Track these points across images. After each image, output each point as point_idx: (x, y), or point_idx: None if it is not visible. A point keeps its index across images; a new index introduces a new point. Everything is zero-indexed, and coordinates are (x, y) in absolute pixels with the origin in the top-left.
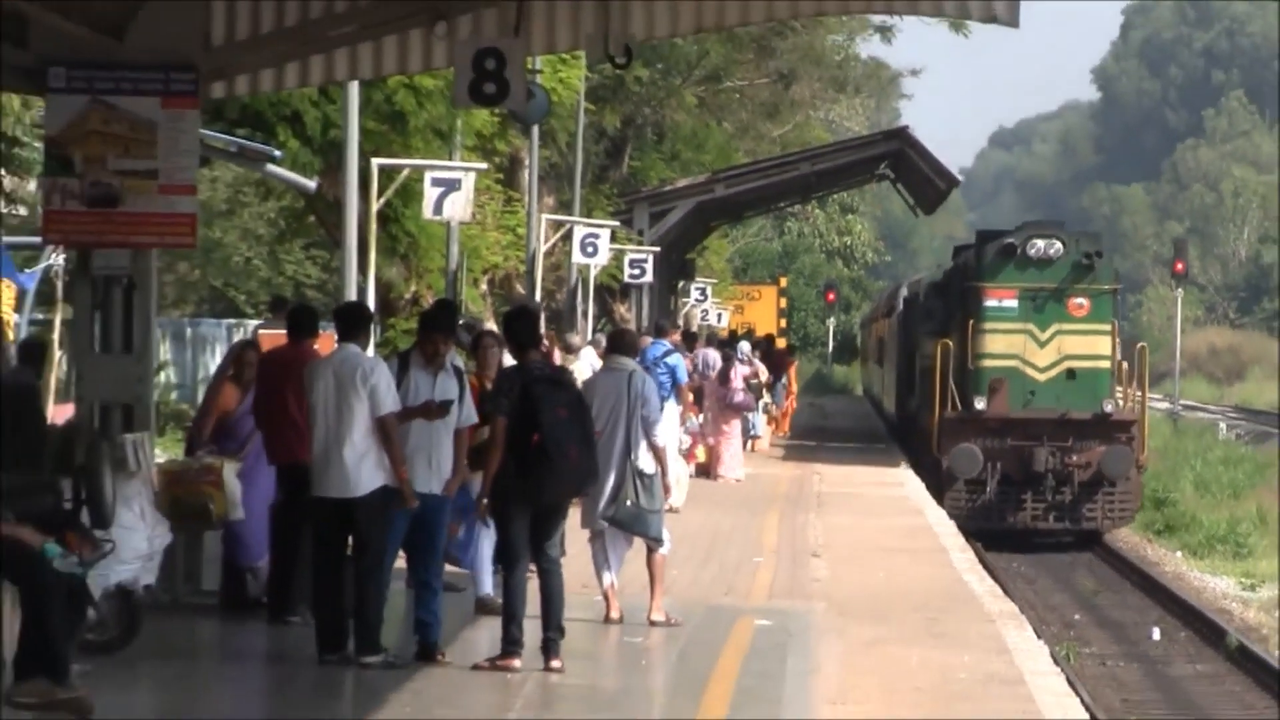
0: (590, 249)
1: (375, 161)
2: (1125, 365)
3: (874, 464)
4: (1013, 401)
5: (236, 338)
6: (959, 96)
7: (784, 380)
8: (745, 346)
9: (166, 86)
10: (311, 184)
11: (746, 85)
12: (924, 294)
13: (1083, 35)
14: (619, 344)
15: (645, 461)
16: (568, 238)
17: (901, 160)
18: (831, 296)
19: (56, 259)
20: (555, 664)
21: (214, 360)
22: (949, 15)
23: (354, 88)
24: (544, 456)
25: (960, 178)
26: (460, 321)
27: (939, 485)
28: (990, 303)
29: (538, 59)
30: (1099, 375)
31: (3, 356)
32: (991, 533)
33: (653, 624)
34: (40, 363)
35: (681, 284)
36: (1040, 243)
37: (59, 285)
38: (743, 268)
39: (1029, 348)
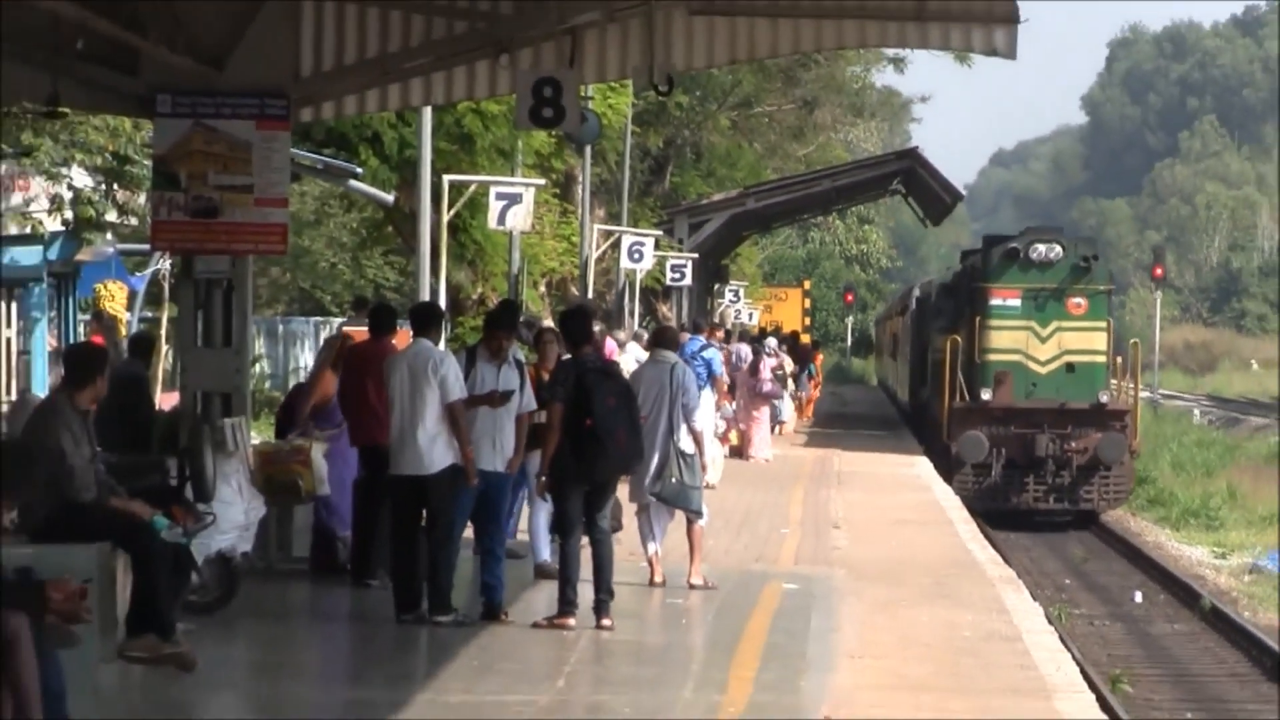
0: (637, 255)
1: (446, 178)
2: (1120, 360)
3: (890, 450)
4: (1016, 392)
5: (323, 334)
6: (963, 121)
7: (810, 370)
8: (772, 342)
9: (261, 111)
10: (389, 197)
11: (775, 110)
12: (935, 294)
13: (1072, 66)
14: (662, 339)
15: (686, 443)
16: (616, 245)
17: (912, 177)
18: (850, 298)
19: (163, 264)
20: (605, 622)
21: (302, 353)
22: (954, 47)
23: (427, 112)
24: (595, 439)
25: (964, 193)
26: (521, 319)
27: (949, 469)
28: (996, 302)
29: (589, 87)
30: (1095, 369)
31: (115, 350)
32: (997, 512)
33: (692, 587)
34: (148, 355)
35: (717, 286)
36: (1041, 247)
37: (165, 287)
38: (771, 272)
39: (1031, 343)
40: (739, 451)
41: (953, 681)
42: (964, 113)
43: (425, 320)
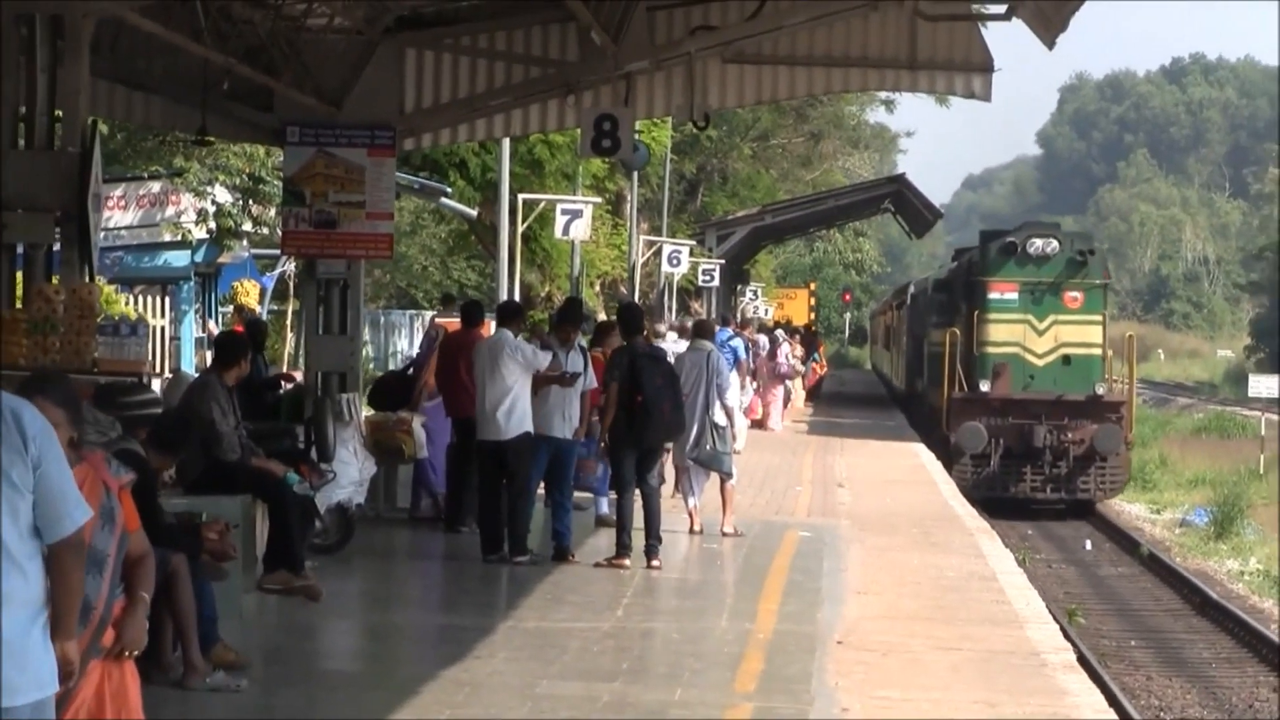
0: (675, 261)
1: (521, 196)
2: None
3: (881, 422)
4: (1014, 384)
5: (417, 324)
6: (939, 151)
7: (815, 356)
8: (780, 333)
9: (372, 141)
10: (473, 212)
11: (787, 142)
12: (931, 289)
13: (1029, 107)
14: (701, 330)
15: (719, 416)
16: (658, 253)
17: (900, 198)
18: (847, 297)
19: (288, 266)
20: (655, 563)
21: (401, 341)
22: (939, 91)
23: (506, 143)
24: (646, 412)
25: (943, 211)
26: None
27: (948, 458)
28: (993, 295)
29: (639, 122)
30: (1091, 361)
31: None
32: (995, 501)
33: (724, 535)
34: (263, 337)
35: (739, 286)
36: (1038, 241)
37: (290, 284)
38: (783, 275)
39: (1029, 336)
40: (760, 424)
41: (940, 613)
42: (940, 145)
43: (507, 314)
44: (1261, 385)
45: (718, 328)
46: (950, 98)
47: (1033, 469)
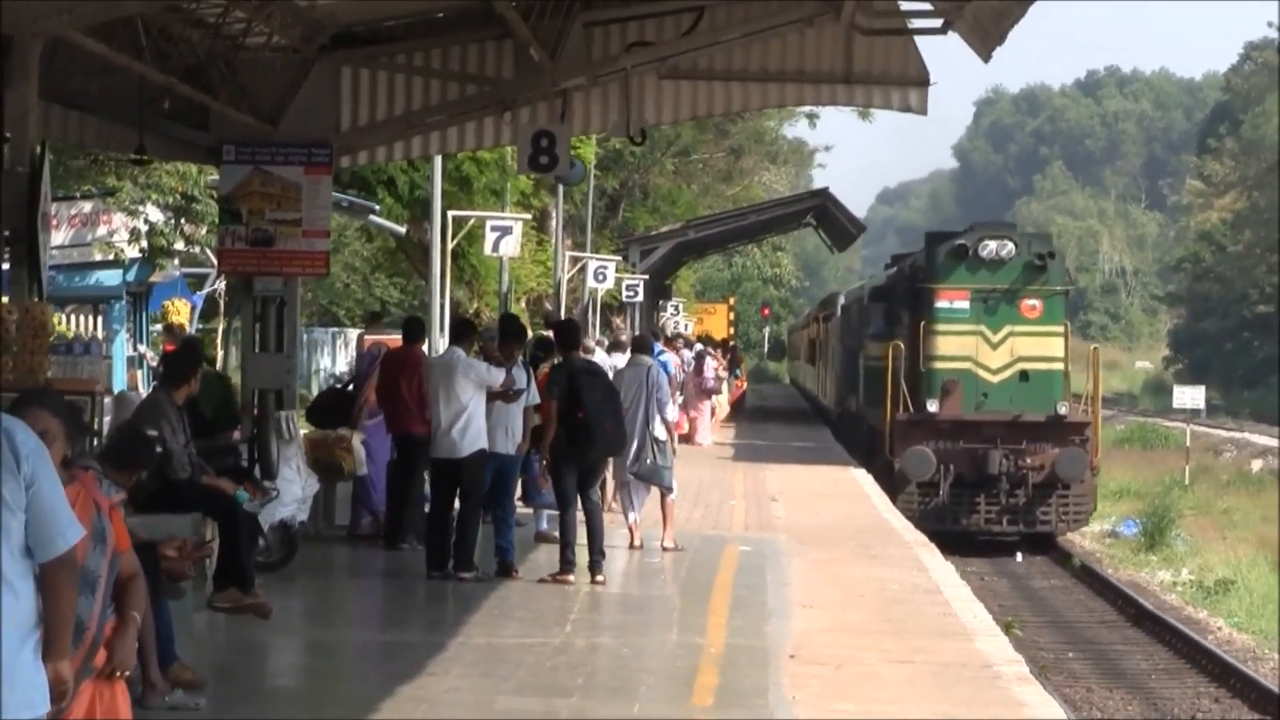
0: (601, 276)
1: (450, 213)
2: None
3: (806, 437)
4: (965, 404)
5: (339, 342)
6: (855, 165)
7: (736, 372)
8: (698, 347)
9: (308, 159)
10: (402, 229)
11: (708, 158)
12: (868, 298)
13: (945, 120)
14: (641, 346)
15: (659, 430)
16: (583, 269)
17: (823, 212)
18: (766, 311)
19: (218, 284)
20: (599, 578)
21: (323, 359)
22: (875, 106)
23: (439, 160)
24: (587, 429)
25: (865, 225)
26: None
27: (892, 487)
28: (942, 304)
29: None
30: (1052, 377)
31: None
32: (944, 535)
33: (664, 550)
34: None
35: (661, 302)
36: (992, 243)
37: (220, 303)
38: (702, 290)
39: (981, 349)
40: (687, 438)
41: (888, 626)
42: (856, 159)
43: (460, 331)
44: (1186, 397)
45: None
46: (873, 111)
47: (987, 499)
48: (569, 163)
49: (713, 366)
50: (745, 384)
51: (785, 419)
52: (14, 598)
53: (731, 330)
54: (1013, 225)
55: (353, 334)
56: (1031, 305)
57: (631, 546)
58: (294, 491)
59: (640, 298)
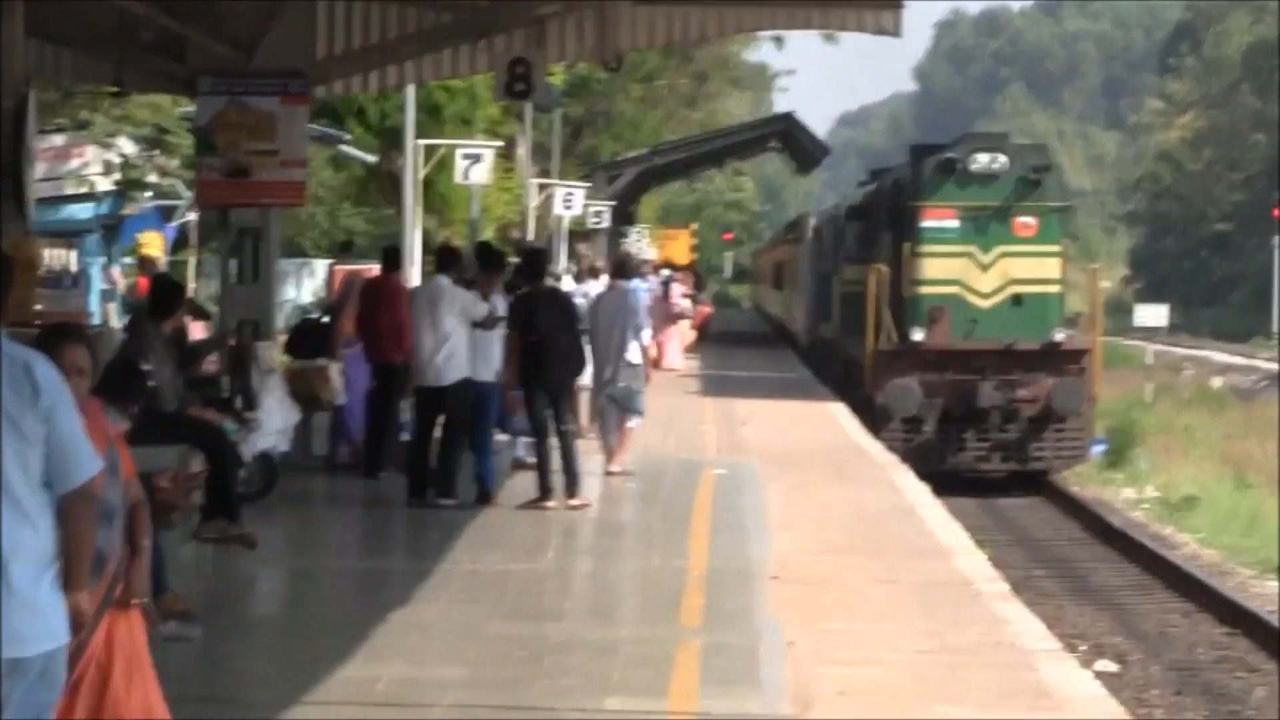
0: (568, 204)
1: (421, 142)
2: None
3: (772, 361)
4: (954, 331)
5: (305, 273)
6: (815, 89)
7: (701, 296)
8: (665, 272)
9: (284, 89)
10: (373, 159)
11: (672, 83)
12: (845, 218)
13: (905, 43)
14: (621, 270)
15: (634, 354)
16: (549, 196)
17: (788, 135)
18: (728, 236)
19: (190, 216)
20: (575, 501)
21: (288, 289)
22: (849, 29)
23: (411, 89)
24: (539, 351)
25: (830, 148)
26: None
27: (873, 423)
28: (928, 223)
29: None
30: (1048, 301)
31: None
32: (931, 475)
33: (610, 474)
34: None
35: (625, 228)
36: (983, 157)
37: (191, 235)
38: (664, 216)
39: (970, 272)
40: (655, 363)
41: (868, 546)
42: (816, 83)
43: (445, 261)
44: (1149, 315)
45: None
46: (838, 34)
47: (977, 434)
48: (545, 89)
49: (680, 291)
50: (710, 308)
51: (750, 343)
52: (33, 530)
53: (694, 256)
54: (1004, 135)
55: (318, 264)
56: (1025, 224)
57: (608, 472)
58: (275, 422)
59: (606, 224)
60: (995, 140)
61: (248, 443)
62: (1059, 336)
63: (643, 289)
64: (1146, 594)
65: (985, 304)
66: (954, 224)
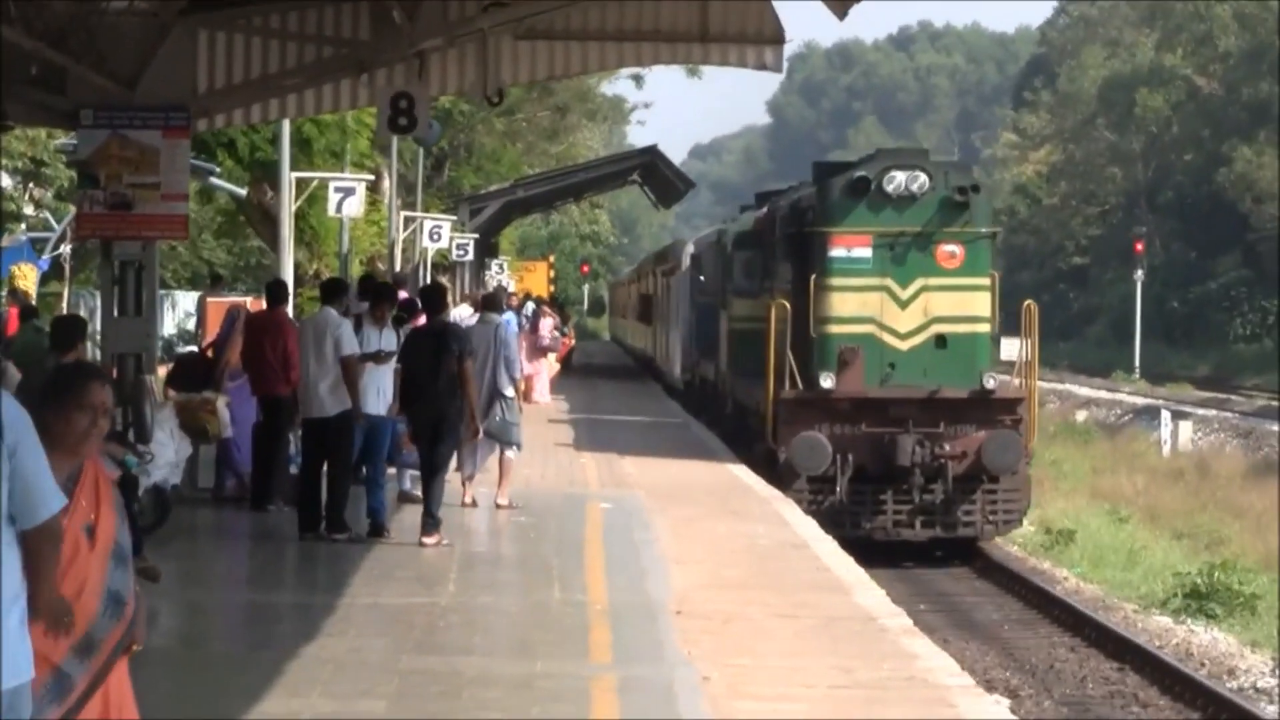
0: (436, 236)
1: (294, 174)
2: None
3: (639, 390)
4: (868, 377)
5: (167, 305)
6: (668, 121)
7: (564, 329)
8: (530, 307)
9: (166, 122)
10: (243, 191)
11: (533, 116)
12: (731, 246)
13: (759, 76)
14: (491, 304)
15: (507, 388)
16: (418, 229)
17: (650, 169)
18: (585, 268)
19: (63, 249)
20: (427, 540)
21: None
22: (731, 64)
23: (286, 123)
24: (412, 389)
25: (694, 182)
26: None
27: (778, 481)
28: (837, 252)
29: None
30: (976, 341)
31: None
32: (844, 543)
33: (499, 507)
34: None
35: (486, 260)
36: (900, 175)
37: (65, 268)
38: (521, 248)
39: (887, 308)
40: (524, 396)
41: (765, 581)
42: (669, 115)
43: (330, 292)
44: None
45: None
46: (701, 68)
47: (896, 496)
48: (428, 123)
49: (549, 325)
50: (573, 340)
51: (613, 375)
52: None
53: (552, 288)
54: (924, 152)
55: (180, 296)
56: (950, 252)
57: (464, 504)
58: (168, 455)
59: (470, 256)
60: (914, 157)
61: (141, 476)
62: (990, 383)
63: (510, 321)
64: (1030, 629)
65: (904, 345)
66: (867, 253)
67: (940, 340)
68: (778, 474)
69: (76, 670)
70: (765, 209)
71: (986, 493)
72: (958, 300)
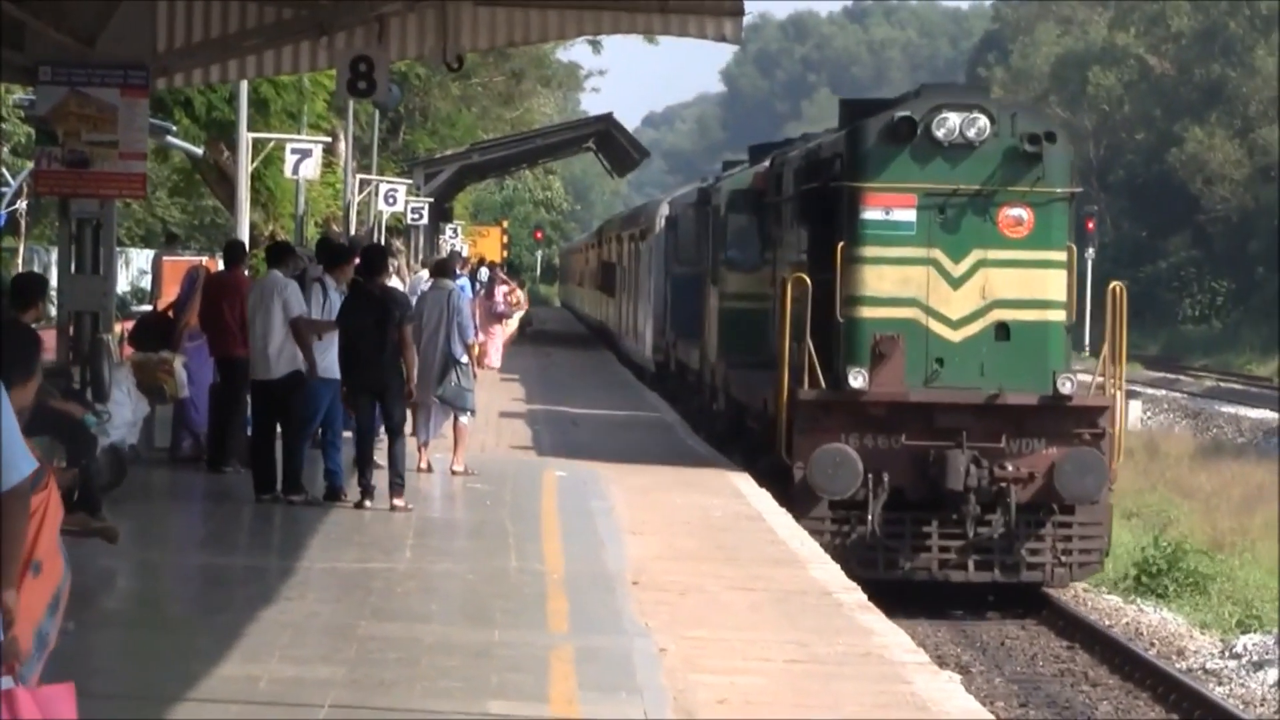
0: (391, 200)
1: (251, 135)
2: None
3: (594, 356)
4: (910, 375)
5: (121, 262)
6: (622, 89)
7: (521, 292)
8: (484, 272)
9: (125, 80)
10: (199, 151)
11: (489, 81)
12: (724, 207)
13: (714, 45)
14: (443, 269)
15: (460, 353)
16: (373, 192)
17: (605, 137)
18: (539, 235)
19: (20, 204)
20: (397, 502)
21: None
22: (690, 34)
23: (245, 84)
24: (353, 355)
25: (649, 151)
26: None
27: (790, 503)
28: (872, 214)
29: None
30: (1048, 332)
31: None
32: (876, 585)
33: (454, 473)
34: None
35: (441, 224)
36: (954, 118)
37: (21, 223)
38: (475, 213)
39: (935, 287)
40: (478, 361)
41: (720, 553)
42: (623, 83)
43: (278, 255)
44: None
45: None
46: (658, 36)
47: (944, 528)
48: (387, 88)
49: (504, 291)
50: (528, 306)
51: (567, 343)
52: None
53: (505, 253)
54: (984, 89)
55: (134, 254)
56: (1016, 217)
57: (419, 469)
58: (125, 415)
59: (425, 220)
60: (972, 94)
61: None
62: (1067, 386)
63: (465, 286)
64: (980, 606)
65: (956, 335)
66: (910, 215)
67: (1002, 330)
68: (791, 496)
69: None
70: (769, 161)
71: (1059, 526)
72: (1025, 279)
